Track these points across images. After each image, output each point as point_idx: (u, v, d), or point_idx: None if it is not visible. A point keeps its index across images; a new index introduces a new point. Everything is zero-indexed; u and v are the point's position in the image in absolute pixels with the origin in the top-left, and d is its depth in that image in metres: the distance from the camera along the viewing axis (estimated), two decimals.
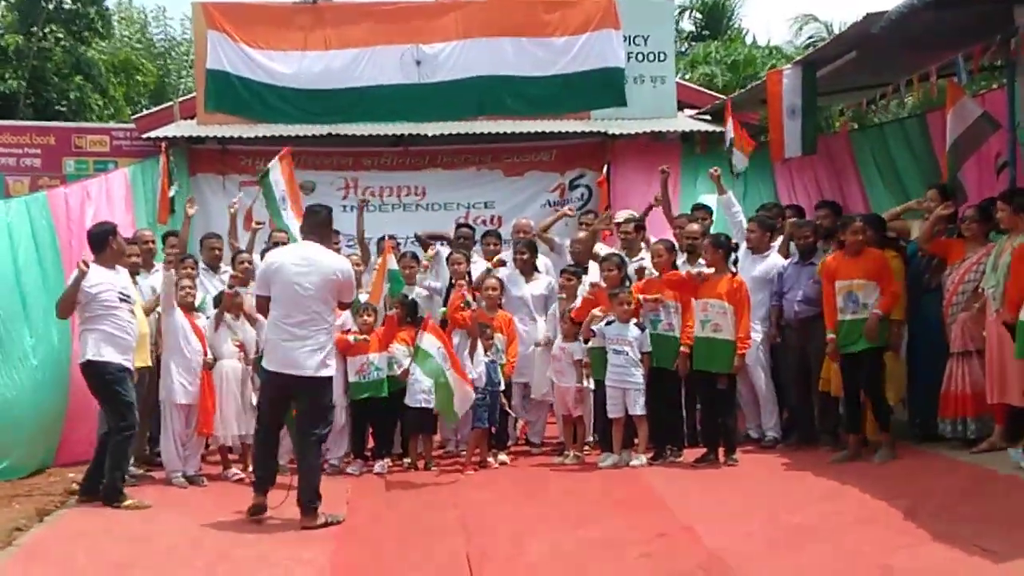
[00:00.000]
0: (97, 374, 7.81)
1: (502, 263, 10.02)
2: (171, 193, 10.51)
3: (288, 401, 7.33)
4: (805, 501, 7.29)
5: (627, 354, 8.73)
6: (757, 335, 9.31)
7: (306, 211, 7.94)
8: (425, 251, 10.44)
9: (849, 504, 7.07)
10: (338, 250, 8.59)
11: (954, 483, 7.29)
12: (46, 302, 8.92)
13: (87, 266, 7.79)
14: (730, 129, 10.89)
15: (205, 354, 8.74)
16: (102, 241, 8.02)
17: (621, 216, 10.42)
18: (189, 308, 8.83)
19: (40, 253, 9.21)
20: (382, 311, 9.46)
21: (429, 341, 8.69)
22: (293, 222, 9.55)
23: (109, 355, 7.76)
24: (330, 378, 7.35)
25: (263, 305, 7.45)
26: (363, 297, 9.43)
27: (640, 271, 9.37)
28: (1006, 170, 9.26)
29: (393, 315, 9.13)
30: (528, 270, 10.01)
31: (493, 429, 9.24)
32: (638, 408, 8.73)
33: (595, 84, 12.52)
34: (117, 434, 7.80)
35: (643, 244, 9.97)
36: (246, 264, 9.47)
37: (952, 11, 8.13)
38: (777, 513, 7.01)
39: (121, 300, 7.89)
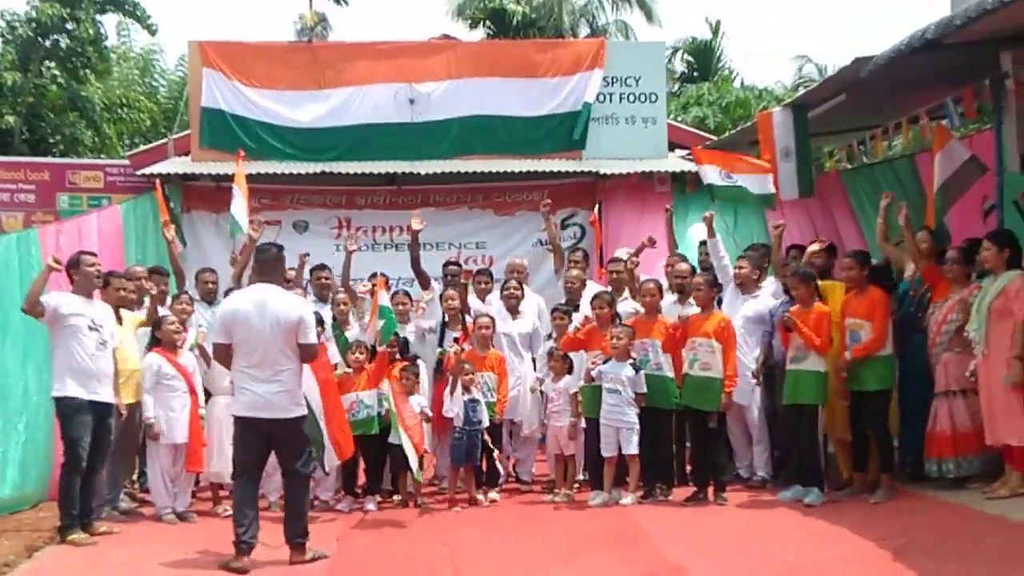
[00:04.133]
0: (58, 409, 7.87)
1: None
2: (170, 234, 10.54)
3: (265, 446, 7.24)
4: (795, 540, 7.30)
5: (621, 393, 8.76)
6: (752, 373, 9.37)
7: (255, 252, 7.85)
8: (424, 287, 10.52)
9: (838, 543, 7.07)
10: (290, 287, 8.45)
11: (942, 523, 7.31)
12: (29, 340, 8.96)
13: (57, 263, 7.84)
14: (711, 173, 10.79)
15: (191, 391, 8.75)
16: (74, 264, 8.10)
17: (618, 255, 10.48)
18: (172, 346, 8.80)
19: (25, 290, 9.15)
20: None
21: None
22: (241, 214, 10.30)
23: (71, 389, 7.75)
24: (303, 416, 7.27)
25: (221, 353, 7.35)
26: (351, 335, 9.47)
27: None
28: (993, 213, 9.33)
29: (386, 352, 9.14)
30: (515, 307, 10.06)
31: (484, 466, 9.24)
32: (631, 447, 8.75)
33: (580, 124, 12.72)
34: (62, 467, 7.85)
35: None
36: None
37: (939, 55, 8.22)
38: (766, 552, 7.02)
39: (90, 329, 7.90)
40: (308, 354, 7.29)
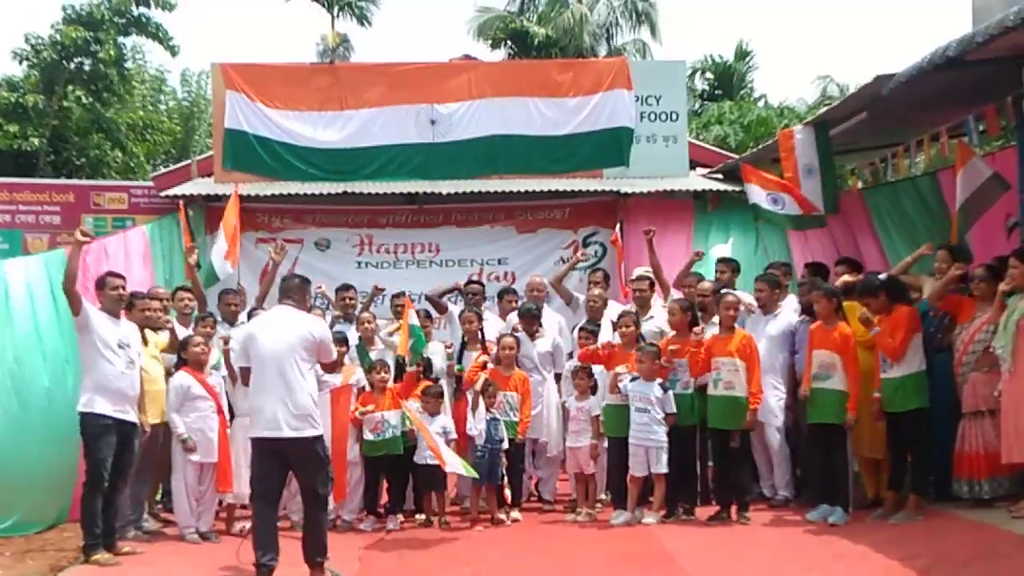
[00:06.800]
0: (83, 425, 7.87)
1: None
2: (193, 259, 10.62)
3: (282, 468, 7.22)
4: (818, 560, 7.27)
5: (650, 412, 8.75)
6: (777, 393, 9.32)
7: (282, 279, 7.98)
8: (441, 312, 10.55)
9: (862, 563, 7.04)
10: (310, 309, 8.45)
11: (967, 543, 7.25)
12: (64, 358, 9.01)
13: (85, 235, 7.91)
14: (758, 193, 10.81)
15: (220, 411, 8.78)
16: (100, 285, 8.21)
17: (636, 273, 10.47)
18: (200, 366, 8.86)
19: (58, 309, 9.20)
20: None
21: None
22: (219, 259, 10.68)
23: (99, 406, 7.80)
24: (318, 436, 7.23)
25: (246, 376, 7.38)
26: (374, 355, 9.50)
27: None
28: (1017, 230, 9.29)
29: (413, 372, 9.16)
30: (532, 329, 10.06)
31: (506, 485, 9.22)
32: (661, 466, 8.75)
33: (603, 143, 12.69)
34: (84, 487, 7.87)
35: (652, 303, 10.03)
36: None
37: (961, 73, 8.21)
38: (790, 572, 7.00)
39: (119, 347, 7.96)
40: (332, 368, 7.65)
